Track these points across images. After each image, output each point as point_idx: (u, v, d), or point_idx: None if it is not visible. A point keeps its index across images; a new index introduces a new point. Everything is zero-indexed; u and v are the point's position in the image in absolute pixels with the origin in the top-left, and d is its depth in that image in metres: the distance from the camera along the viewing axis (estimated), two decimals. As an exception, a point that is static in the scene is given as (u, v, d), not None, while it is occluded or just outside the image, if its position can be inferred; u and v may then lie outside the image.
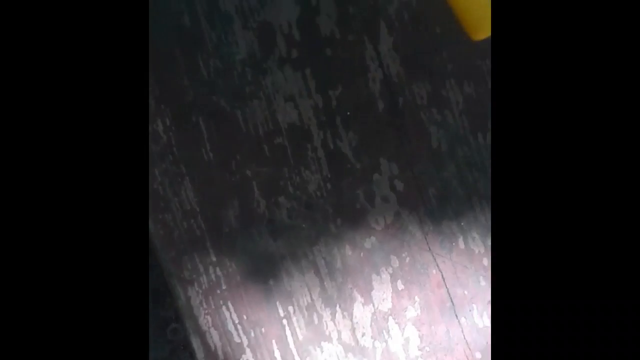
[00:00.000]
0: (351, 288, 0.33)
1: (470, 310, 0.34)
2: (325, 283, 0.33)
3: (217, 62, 0.32)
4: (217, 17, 0.32)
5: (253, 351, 0.32)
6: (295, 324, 0.32)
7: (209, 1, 0.31)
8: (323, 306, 0.33)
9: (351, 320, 0.33)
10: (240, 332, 0.32)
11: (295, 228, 0.33)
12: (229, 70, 0.32)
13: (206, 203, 0.32)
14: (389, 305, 0.33)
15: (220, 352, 0.32)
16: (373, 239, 0.33)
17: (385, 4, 0.34)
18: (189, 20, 0.32)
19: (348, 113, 0.33)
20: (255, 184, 0.32)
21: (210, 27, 0.32)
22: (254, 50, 0.32)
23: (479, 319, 0.34)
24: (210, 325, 0.32)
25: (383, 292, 0.33)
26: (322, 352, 0.33)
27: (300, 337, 0.32)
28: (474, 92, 0.35)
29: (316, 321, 0.33)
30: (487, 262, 0.35)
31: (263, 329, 0.32)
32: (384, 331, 0.33)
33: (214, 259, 0.32)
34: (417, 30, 0.34)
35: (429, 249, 0.34)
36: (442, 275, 0.34)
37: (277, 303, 0.32)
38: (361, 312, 0.33)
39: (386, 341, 0.33)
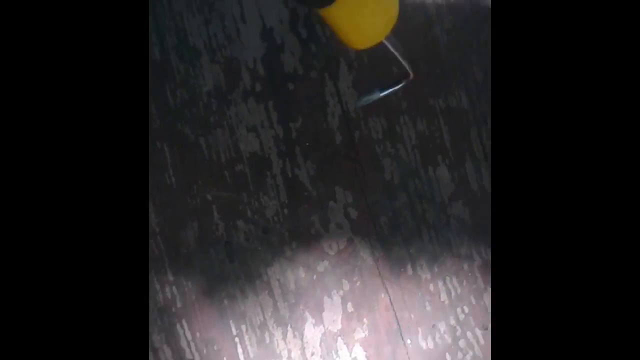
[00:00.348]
0: (303, 309, 0.35)
1: (415, 333, 0.36)
2: (278, 303, 0.35)
3: (184, 93, 0.34)
4: (186, 51, 0.34)
5: (207, 366, 0.34)
6: (247, 342, 0.34)
7: (179, 36, 0.34)
8: (275, 325, 0.34)
9: (301, 339, 0.35)
10: (193, 349, 0.33)
11: (251, 250, 0.34)
12: (194, 101, 0.34)
13: (166, 224, 0.34)
14: (339, 326, 0.35)
15: (175, 366, 0.34)
16: (326, 262, 0.35)
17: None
18: (158, 53, 0.34)
19: (307, 144, 0.35)
20: (215, 207, 0.34)
21: (179, 60, 0.34)
22: (220, 82, 0.34)
23: (423, 342, 0.36)
24: (164, 342, 0.33)
25: (333, 314, 0.35)
26: (273, 369, 0.35)
27: (252, 355, 0.34)
28: (427, 129, 0.37)
29: (267, 340, 0.34)
30: (432, 287, 0.37)
31: (215, 347, 0.34)
32: (332, 351, 0.35)
33: (171, 278, 0.34)
34: (374, 69, 0.36)
35: (379, 274, 0.36)
36: (390, 299, 0.36)
37: (231, 322, 0.34)
38: (312, 332, 0.35)
39: (334, 361, 0.35)
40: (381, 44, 0.30)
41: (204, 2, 0.34)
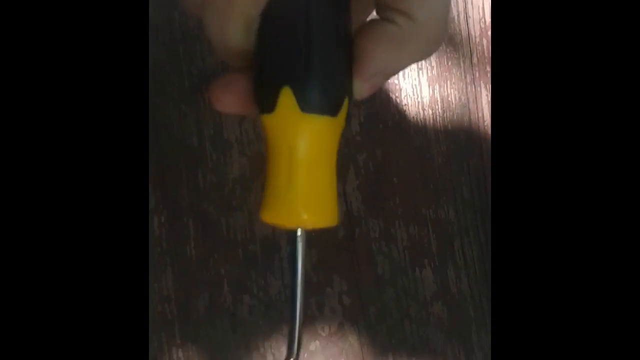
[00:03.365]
0: (292, 384, 0.38)
1: (390, 420, 0.39)
2: (270, 376, 0.38)
3: (213, 177, 0.39)
4: (220, 142, 0.39)
5: None
6: (240, 409, 0.37)
7: (215, 128, 0.39)
8: (265, 396, 0.38)
9: (287, 412, 0.38)
10: (192, 408, 0.36)
11: (253, 324, 0.38)
12: (221, 185, 0.39)
13: (181, 291, 0.38)
14: (322, 404, 0.39)
15: None
16: (317, 342, 0.39)
17: (356, 153, 0.42)
18: (196, 141, 0.39)
19: (313, 234, 0.40)
20: (226, 281, 0.38)
21: (212, 149, 0.39)
22: (245, 172, 0.39)
23: None
24: (167, 399, 0.36)
25: (318, 392, 0.39)
26: None
27: (242, 421, 0.37)
28: (417, 234, 0.42)
29: (257, 409, 0.38)
30: (409, 378, 0.40)
31: (211, 409, 0.37)
32: None
33: (179, 340, 0.37)
34: (378, 178, 0.42)
35: (363, 358, 0.40)
36: (371, 385, 0.40)
37: (227, 388, 0.37)
38: (297, 407, 0.38)
39: None
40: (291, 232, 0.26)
41: (239, 102, 0.40)
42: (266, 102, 0.23)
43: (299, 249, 0.26)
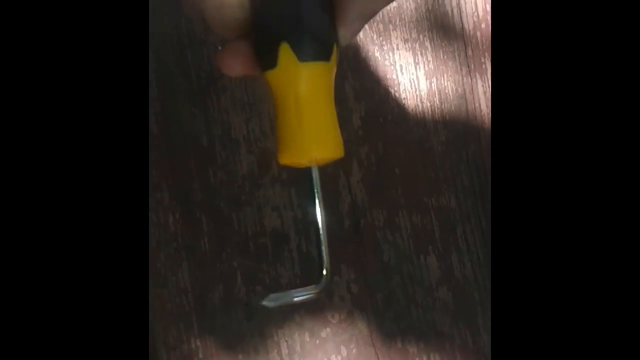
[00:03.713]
0: (305, 369, 0.40)
1: (401, 401, 0.41)
2: (284, 362, 0.40)
3: (222, 175, 0.41)
4: (228, 141, 0.41)
5: (217, 415, 0.38)
6: (256, 393, 0.39)
7: (224, 129, 0.41)
8: (281, 381, 0.39)
9: (302, 396, 0.40)
10: (211, 394, 0.38)
11: (266, 313, 0.40)
12: (231, 182, 0.40)
13: (197, 284, 0.39)
14: (335, 388, 0.40)
15: (189, 412, 0.38)
16: (328, 329, 0.41)
17: (358, 147, 0.43)
18: (206, 140, 0.41)
19: (320, 226, 0.42)
20: (239, 273, 0.40)
21: (221, 148, 0.41)
22: (253, 169, 0.41)
23: (407, 409, 0.41)
24: (187, 385, 0.38)
25: (331, 376, 0.40)
26: (274, 422, 0.39)
27: (259, 406, 0.39)
28: (420, 222, 0.44)
29: (273, 393, 0.39)
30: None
31: (229, 395, 0.39)
32: (328, 410, 0.40)
33: (196, 331, 0.39)
34: (380, 169, 0.44)
35: (372, 345, 0.42)
36: (381, 368, 0.41)
37: (244, 374, 0.39)
38: (311, 391, 0.40)
39: (329, 419, 0.40)
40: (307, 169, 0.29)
41: (245, 102, 0.42)
42: (268, 60, 0.27)
43: (315, 183, 0.30)
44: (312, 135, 0.27)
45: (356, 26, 0.28)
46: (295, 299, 0.30)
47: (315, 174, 0.29)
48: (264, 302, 0.30)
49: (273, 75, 0.27)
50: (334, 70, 0.28)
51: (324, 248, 0.30)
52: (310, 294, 0.31)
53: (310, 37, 0.26)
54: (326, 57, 0.27)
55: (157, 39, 0.40)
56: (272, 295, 0.30)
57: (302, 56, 0.26)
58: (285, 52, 0.26)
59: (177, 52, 0.40)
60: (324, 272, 0.30)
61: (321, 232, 0.30)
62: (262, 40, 0.27)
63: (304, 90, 0.27)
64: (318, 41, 0.26)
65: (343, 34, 0.28)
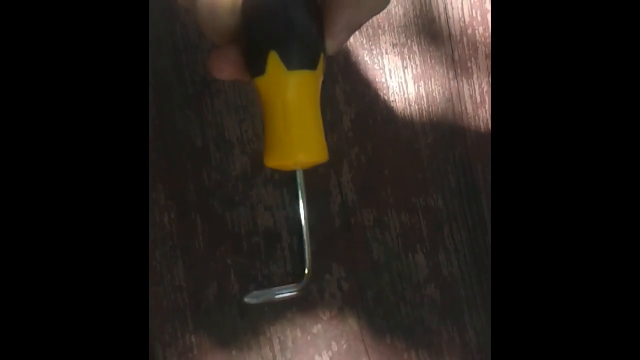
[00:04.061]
0: (297, 365, 0.41)
1: (390, 395, 0.42)
2: (277, 358, 0.41)
3: (217, 175, 0.42)
4: (222, 143, 0.42)
5: (211, 409, 0.39)
6: (250, 388, 0.40)
7: (218, 131, 0.42)
8: (273, 376, 0.41)
9: (294, 391, 0.41)
10: (206, 387, 0.39)
11: (259, 310, 0.41)
12: (225, 182, 0.42)
13: (192, 282, 0.41)
14: (326, 382, 0.41)
15: (184, 407, 0.39)
16: (319, 326, 0.42)
17: (348, 148, 0.45)
18: (200, 142, 0.42)
19: (311, 225, 0.43)
20: (232, 271, 0.41)
21: (216, 149, 0.42)
22: (246, 170, 0.42)
23: (396, 402, 0.42)
24: (183, 379, 0.39)
25: (322, 371, 0.42)
26: (267, 416, 0.40)
27: (252, 400, 0.40)
28: (409, 221, 0.45)
29: (266, 388, 0.40)
30: (406, 356, 0.43)
31: (223, 389, 0.40)
32: (319, 404, 0.41)
33: (191, 328, 0.40)
34: (370, 170, 0.45)
35: (362, 340, 0.43)
36: (371, 363, 0.43)
37: (237, 369, 0.40)
38: (303, 385, 0.41)
39: (320, 413, 0.41)
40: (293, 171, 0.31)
41: (239, 105, 0.43)
42: (257, 67, 0.28)
43: (300, 185, 0.32)
44: (298, 140, 0.29)
45: (343, 37, 0.29)
46: (277, 296, 0.33)
47: (300, 178, 0.31)
48: (246, 299, 0.33)
49: (262, 81, 0.28)
50: (321, 78, 0.29)
51: (306, 248, 0.32)
52: (291, 292, 0.33)
53: (298, 46, 0.27)
54: (313, 65, 0.28)
55: (153, 43, 0.42)
56: (254, 293, 0.33)
57: (289, 65, 0.27)
58: (274, 60, 0.27)
59: (172, 57, 0.42)
60: (306, 271, 0.33)
61: (304, 233, 0.32)
62: (252, 48, 0.28)
63: (291, 98, 0.28)
64: (305, 51, 0.27)
65: (330, 44, 0.29)
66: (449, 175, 0.46)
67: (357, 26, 0.30)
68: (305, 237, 0.32)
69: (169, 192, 0.40)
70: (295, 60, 0.27)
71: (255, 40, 0.28)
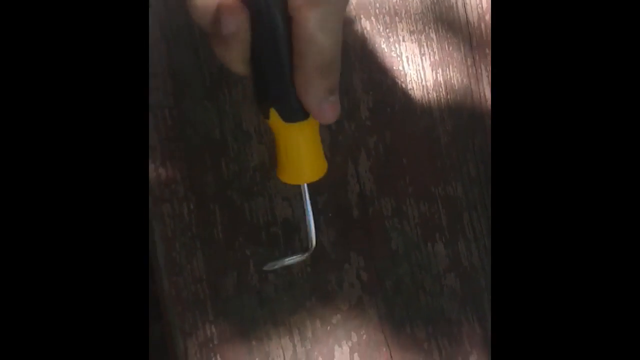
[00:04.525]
0: (317, 355, 0.41)
1: (410, 384, 0.42)
2: (297, 348, 0.41)
3: (235, 166, 0.42)
4: (240, 134, 0.42)
5: (232, 398, 0.40)
6: (270, 378, 0.40)
7: (235, 122, 0.42)
8: (293, 366, 0.41)
9: (314, 380, 0.41)
10: (226, 378, 0.39)
11: (278, 300, 0.41)
12: (243, 173, 0.42)
13: (212, 272, 0.41)
14: (346, 372, 0.42)
15: (205, 396, 0.40)
16: (339, 316, 0.42)
17: (366, 137, 0.44)
18: (218, 133, 0.42)
19: (330, 215, 0.43)
20: (251, 261, 0.41)
21: (234, 140, 0.42)
22: (264, 160, 0.42)
23: (417, 392, 0.42)
24: (203, 370, 0.39)
25: (342, 361, 0.42)
26: (288, 405, 0.40)
27: (273, 389, 0.40)
28: (428, 210, 0.45)
29: (287, 377, 0.41)
30: (427, 346, 0.43)
31: (244, 379, 0.40)
32: (339, 393, 0.41)
33: (211, 318, 0.40)
34: (388, 159, 0.45)
35: (382, 331, 0.43)
36: (390, 353, 0.42)
37: (257, 359, 0.40)
38: (323, 375, 0.41)
39: (341, 402, 0.41)
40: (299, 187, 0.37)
41: (255, 95, 0.43)
42: (264, 112, 0.34)
43: (305, 195, 0.38)
44: (296, 168, 0.36)
45: (311, 98, 0.32)
46: (286, 262, 0.40)
47: (305, 189, 0.38)
48: (265, 268, 0.39)
49: (268, 123, 0.34)
50: (316, 122, 0.34)
51: (310, 226, 0.39)
52: (301, 258, 0.40)
53: (290, 106, 0.33)
54: (305, 116, 0.33)
55: (171, 34, 0.41)
56: (269, 264, 0.39)
57: (286, 118, 0.33)
58: (274, 114, 0.33)
59: (189, 49, 0.41)
60: (312, 244, 0.39)
61: (311, 229, 0.39)
62: (258, 100, 0.34)
63: (289, 140, 0.35)
64: (297, 109, 0.33)
65: (306, 104, 0.32)
66: (468, 163, 0.46)
67: (332, 87, 0.32)
68: (311, 233, 0.39)
69: (188, 184, 0.41)
70: (290, 116, 0.33)
71: (259, 97, 0.34)
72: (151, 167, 0.40)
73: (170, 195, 0.40)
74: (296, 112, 0.33)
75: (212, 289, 0.40)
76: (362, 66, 0.45)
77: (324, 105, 0.31)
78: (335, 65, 0.30)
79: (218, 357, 0.40)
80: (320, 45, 0.27)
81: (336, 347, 0.42)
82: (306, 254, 0.39)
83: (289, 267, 0.41)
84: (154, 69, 0.41)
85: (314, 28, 0.27)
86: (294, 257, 0.40)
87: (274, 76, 0.32)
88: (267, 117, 0.34)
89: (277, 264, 0.39)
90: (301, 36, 0.28)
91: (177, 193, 0.40)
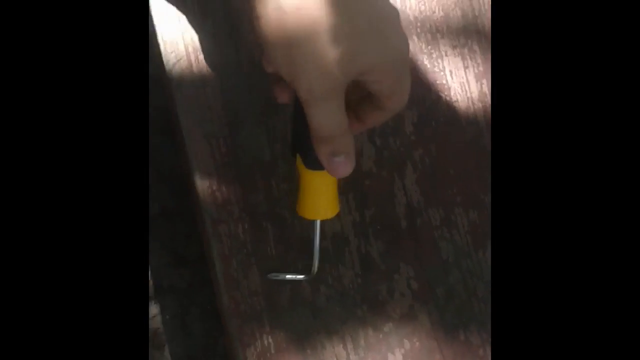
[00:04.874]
0: (371, 362, 0.43)
1: (466, 392, 0.42)
2: (350, 356, 0.43)
3: (284, 185, 0.45)
4: (288, 155, 0.45)
5: (292, 405, 0.42)
6: (324, 384, 0.42)
7: (284, 144, 0.45)
8: (347, 374, 0.42)
9: (369, 388, 0.42)
10: (282, 385, 0.42)
11: (330, 310, 0.43)
12: (292, 192, 0.44)
13: (267, 286, 0.44)
14: (401, 380, 0.43)
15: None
16: (390, 324, 0.43)
17: (412, 150, 0.46)
18: (269, 155, 0.45)
19: (378, 227, 0.45)
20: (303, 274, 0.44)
21: (282, 162, 0.45)
22: (311, 178, 0.45)
23: (473, 399, 0.42)
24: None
25: (396, 369, 0.43)
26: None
27: (328, 396, 0.42)
28: (477, 218, 0.45)
29: (341, 385, 0.42)
30: (482, 352, 0.43)
31: (300, 385, 0.42)
32: (395, 400, 0.42)
33: (268, 328, 0.43)
34: (435, 171, 0.46)
35: (435, 338, 0.43)
36: (445, 360, 0.43)
37: (312, 367, 0.42)
38: (378, 383, 0.42)
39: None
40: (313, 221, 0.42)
41: (303, 119, 0.45)
42: (293, 156, 0.41)
43: (317, 230, 0.42)
44: (311, 208, 0.41)
45: (320, 157, 0.37)
46: (287, 277, 0.43)
47: (317, 224, 0.42)
48: (268, 276, 0.43)
49: (296, 164, 0.41)
50: None
51: (316, 255, 0.42)
52: (302, 278, 0.43)
53: (310, 158, 0.39)
54: (322, 167, 0.38)
55: (222, 70, 0.46)
56: (273, 273, 0.43)
57: (307, 165, 0.40)
58: (299, 160, 0.40)
59: (241, 78, 0.45)
60: (314, 270, 0.43)
61: (315, 260, 0.43)
62: (291, 147, 0.42)
63: (307, 183, 0.41)
64: (315, 160, 0.38)
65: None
66: (517, 170, 0.46)
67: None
68: (315, 262, 0.43)
69: (242, 205, 0.44)
70: (310, 164, 0.39)
71: (292, 142, 0.42)
72: (208, 191, 0.44)
73: (227, 216, 0.44)
74: (314, 163, 0.38)
75: (268, 301, 0.43)
76: (403, 83, 0.46)
77: (332, 164, 0.37)
78: (334, 138, 0.36)
79: (276, 365, 0.42)
80: (317, 124, 0.35)
81: (389, 354, 0.43)
82: (309, 276, 0.43)
83: (339, 279, 0.43)
84: (208, 102, 0.45)
85: (310, 115, 0.35)
86: (297, 276, 0.43)
87: (300, 133, 0.39)
88: (293, 155, 0.41)
89: (280, 276, 0.43)
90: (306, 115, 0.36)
91: (233, 214, 0.44)
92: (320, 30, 0.32)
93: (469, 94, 0.47)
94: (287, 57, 0.33)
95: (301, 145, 0.39)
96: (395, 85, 0.36)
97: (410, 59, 0.47)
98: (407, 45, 0.36)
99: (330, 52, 0.33)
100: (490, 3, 0.48)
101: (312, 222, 0.42)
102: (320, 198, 0.41)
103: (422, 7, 0.48)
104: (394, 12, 0.36)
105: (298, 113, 0.37)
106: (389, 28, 0.35)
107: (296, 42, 0.33)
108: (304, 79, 0.33)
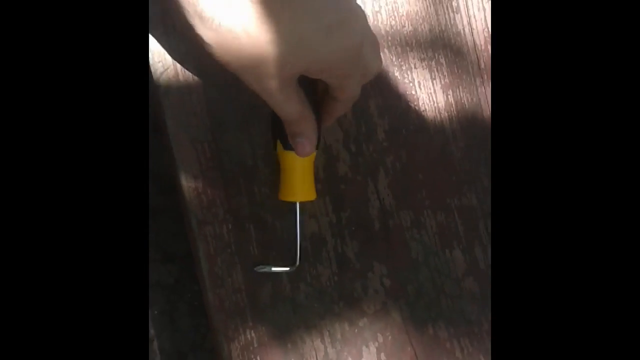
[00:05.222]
0: (346, 355, 0.46)
1: (434, 380, 0.46)
2: (328, 349, 0.46)
3: (266, 189, 0.47)
4: (269, 160, 0.47)
5: (273, 396, 0.45)
6: (304, 376, 0.45)
7: (266, 150, 0.47)
8: (325, 365, 0.45)
9: (345, 378, 0.45)
10: (265, 375, 0.44)
11: (310, 307, 0.46)
12: (273, 195, 0.47)
13: (249, 284, 0.46)
14: (374, 370, 0.46)
15: (249, 394, 0.45)
16: (365, 319, 0.46)
17: (384, 156, 0.49)
18: (250, 160, 0.48)
19: (353, 228, 0.48)
20: (284, 273, 0.46)
21: (264, 166, 0.47)
22: (291, 182, 0.47)
23: (441, 388, 0.46)
24: (244, 369, 0.45)
25: (370, 361, 0.46)
26: (323, 401, 0.45)
27: (307, 386, 0.45)
28: (444, 220, 0.49)
29: (319, 376, 0.45)
30: (449, 345, 0.47)
31: (281, 377, 0.45)
32: (369, 390, 0.45)
33: (251, 324, 0.46)
34: (405, 175, 0.49)
35: (406, 332, 0.47)
36: (415, 352, 0.46)
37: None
38: (353, 373, 0.46)
39: (371, 398, 0.45)
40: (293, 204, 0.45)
41: (282, 126, 0.48)
42: (274, 144, 0.45)
43: (297, 213, 0.45)
44: (290, 190, 0.45)
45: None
46: (273, 269, 0.46)
47: (298, 207, 0.45)
48: (255, 269, 0.46)
49: (277, 153, 0.45)
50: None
51: (298, 247, 0.46)
52: (287, 270, 0.46)
53: (284, 138, 0.43)
54: None
55: (207, 78, 0.48)
56: (260, 266, 0.46)
57: (285, 147, 0.44)
58: (279, 144, 0.44)
59: (223, 88, 0.48)
60: (297, 262, 0.46)
61: (298, 242, 0.46)
62: (271, 133, 0.46)
63: (287, 164, 0.44)
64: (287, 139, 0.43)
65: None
66: (481, 176, 0.50)
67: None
68: (298, 246, 0.46)
69: (226, 207, 0.46)
70: (286, 145, 0.43)
71: (272, 134, 0.46)
72: (194, 193, 0.46)
73: (212, 218, 0.46)
74: (287, 143, 0.43)
75: (251, 298, 0.46)
76: (377, 93, 0.50)
77: (295, 143, 0.42)
78: (294, 122, 0.41)
79: (258, 358, 0.45)
80: (279, 111, 0.41)
81: (364, 347, 0.46)
82: (293, 267, 0.46)
83: (318, 277, 0.46)
84: (194, 109, 0.47)
85: (271, 106, 0.40)
86: (282, 268, 0.46)
87: (277, 121, 0.43)
88: (275, 148, 0.45)
89: (266, 268, 0.45)
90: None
91: (218, 215, 0.46)
92: (263, 44, 0.36)
93: (436, 104, 0.50)
94: (238, 69, 0.38)
95: (279, 130, 0.44)
96: (345, 80, 0.40)
97: (382, 71, 0.50)
98: (358, 44, 0.38)
99: (274, 56, 0.36)
100: (455, 19, 0.52)
101: (291, 221, 0.45)
102: (297, 180, 0.44)
103: (393, 22, 0.51)
104: (349, 15, 0.37)
105: None
106: (337, 31, 0.37)
107: (246, 62, 0.37)
108: (256, 81, 0.38)
